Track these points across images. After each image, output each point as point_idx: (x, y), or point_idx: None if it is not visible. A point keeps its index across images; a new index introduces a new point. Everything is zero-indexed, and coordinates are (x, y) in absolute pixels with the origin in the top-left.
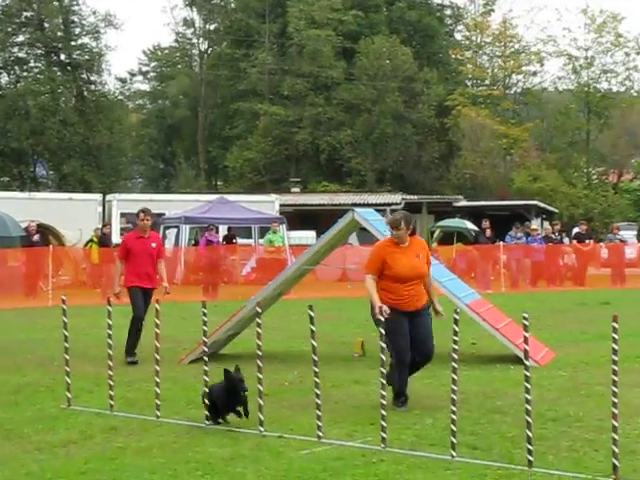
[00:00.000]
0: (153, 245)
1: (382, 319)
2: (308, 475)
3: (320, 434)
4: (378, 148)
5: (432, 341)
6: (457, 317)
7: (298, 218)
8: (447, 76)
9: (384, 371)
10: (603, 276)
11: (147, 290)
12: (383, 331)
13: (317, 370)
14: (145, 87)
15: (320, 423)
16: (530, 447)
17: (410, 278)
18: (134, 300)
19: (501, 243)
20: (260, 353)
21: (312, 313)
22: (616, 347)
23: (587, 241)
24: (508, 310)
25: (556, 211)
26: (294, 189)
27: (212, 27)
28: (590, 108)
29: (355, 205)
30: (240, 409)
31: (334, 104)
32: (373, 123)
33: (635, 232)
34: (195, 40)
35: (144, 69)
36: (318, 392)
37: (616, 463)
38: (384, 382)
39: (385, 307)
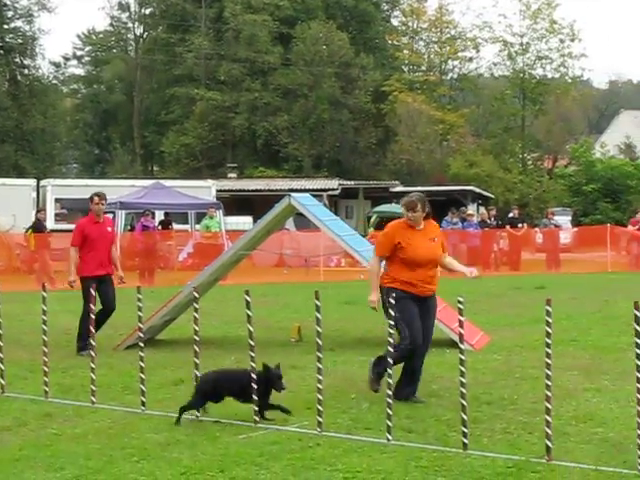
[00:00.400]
0: (109, 229)
1: (373, 308)
2: (244, 460)
3: (257, 419)
4: (315, 134)
5: (432, 332)
6: (393, 301)
7: (235, 204)
8: (384, 62)
9: (320, 356)
10: (538, 261)
11: (105, 277)
12: (398, 317)
13: (254, 355)
14: (80, 71)
15: (257, 408)
16: (465, 430)
17: (424, 262)
18: (88, 293)
19: None
20: (197, 338)
21: (248, 298)
22: (549, 330)
23: (520, 225)
24: (444, 295)
25: (492, 196)
26: (231, 175)
27: (147, 11)
28: (525, 94)
29: (292, 191)
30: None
31: (271, 89)
32: (310, 109)
33: (570, 217)
34: (130, 24)
35: (79, 53)
36: (254, 377)
37: (549, 445)
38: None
39: (378, 299)
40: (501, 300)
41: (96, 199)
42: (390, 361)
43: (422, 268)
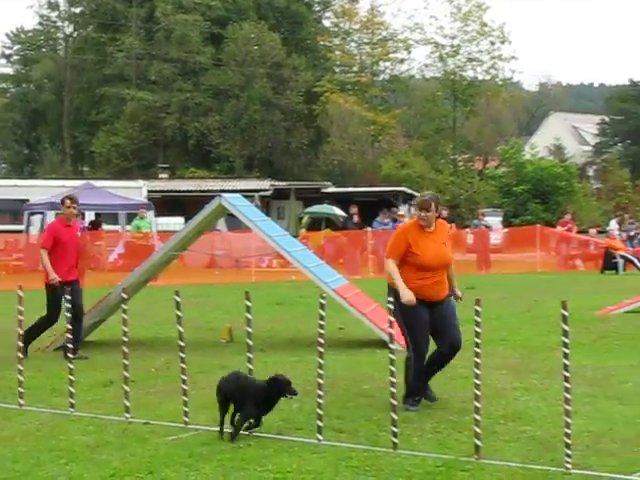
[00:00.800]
0: (79, 234)
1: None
2: (174, 461)
3: (187, 420)
4: (246, 134)
5: (458, 330)
6: (323, 302)
7: (166, 204)
8: (315, 62)
9: (251, 356)
10: (469, 261)
11: (74, 282)
12: (403, 323)
13: (184, 356)
14: (8, 70)
15: (187, 409)
16: (395, 429)
17: (435, 267)
18: (56, 301)
19: (369, 229)
20: (126, 339)
21: (178, 299)
22: (479, 330)
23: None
24: (375, 295)
25: None
26: (162, 175)
27: (77, 10)
28: (456, 96)
29: (223, 191)
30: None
31: (202, 90)
32: (241, 109)
33: (500, 218)
34: (60, 23)
35: (7, 52)
36: (185, 378)
37: (478, 444)
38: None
39: (413, 297)
40: None
41: (68, 202)
42: (411, 380)
43: (431, 273)
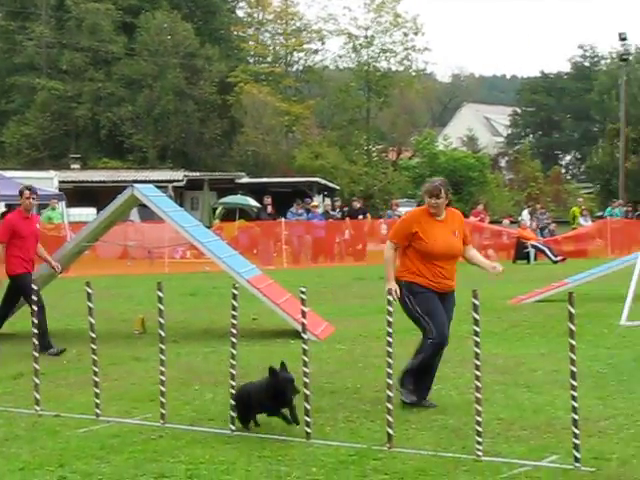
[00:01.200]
0: (38, 226)
1: (393, 298)
2: (85, 453)
3: (98, 412)
4: (160, 124)
5: (449, 327)
6: (236, 292)
7: (78, 195)
8: (229, 53)
9: (163, 347)
10: (382, 252)
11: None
12: (421, 314)
13: (95, 347)
14: None
15: (98, 401)
16: (308, 419)
17: (443, 257)
18: (28, 288)
19: (283, 220)
20: (36, 331)
21: (90, 290)
22: (391, 320)
23: (361, 217)
24: (289, 286)
25: (337, 188)
26: (74, 165)
27: None
28: (370, 87)
29: (136, 182)
30: (286, 412)
31: (114, 79)
32: (154, 99)
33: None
34: None
35: None
36: (96, 370)
37: (390, 432)
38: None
39: (396, 289)
40: (346, 291)
41: (27, 193)
42: (417, 361)
43: (440, 262)
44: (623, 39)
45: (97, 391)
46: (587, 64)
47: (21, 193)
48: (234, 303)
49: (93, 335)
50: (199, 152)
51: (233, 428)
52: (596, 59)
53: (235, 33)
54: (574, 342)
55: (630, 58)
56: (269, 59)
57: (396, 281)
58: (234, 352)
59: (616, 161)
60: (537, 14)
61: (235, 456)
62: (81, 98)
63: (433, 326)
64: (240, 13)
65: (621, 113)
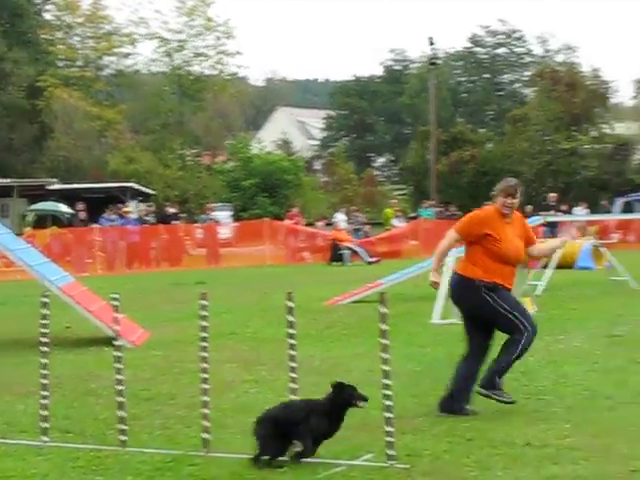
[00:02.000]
0: None
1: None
2: None
3: None
4: None
5: None
6: (46, 301)
7: None
8: (37, 56)
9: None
10: (199, 256)
11: None
12: (508, 310)
13: None
14: None
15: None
16: (123, 427)
17: (513, 260)
18: None
19: (96, 225)
20: None
21: None
22: (205, 324)
23: (173, 222)
24: (104, 292)
25: (152, 193)
26: None
27: None
28: (183, 91)
29: None
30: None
31: None
32: None
33: (230, 212)
34: None
35: None
36: None
37: (207, 437)
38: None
39: (438, 279)
40: (161, 296)
41: None
42: (511, 357)
43: (509, 265)
44: (432, 43)
45: None
46: (398, 68)
47: None
48: (44, 311)
49: None
50: (8, 158)
51: (46, 439)
52: (407, 63)
53: (43, 36)
54: (387, 342)
55: (439, 62)
56: (79, 63)
57: (465, 279)
58: (45, 361)
59: (427, 163)
60: (349, 18)
61: (48, 468)
62: None
63: (525, 321)
64: (48, 16)
65: (431, 116)
